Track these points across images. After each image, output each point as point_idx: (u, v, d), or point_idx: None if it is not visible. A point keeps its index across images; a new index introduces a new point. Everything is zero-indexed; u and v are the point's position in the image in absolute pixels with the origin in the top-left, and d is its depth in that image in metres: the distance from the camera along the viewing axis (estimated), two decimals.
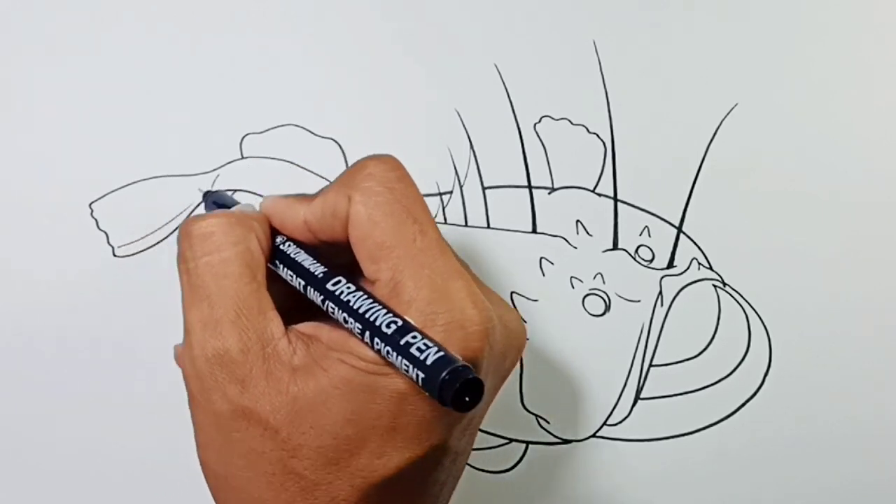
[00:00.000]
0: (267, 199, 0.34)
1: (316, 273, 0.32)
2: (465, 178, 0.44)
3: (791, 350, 0.45)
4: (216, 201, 0.37)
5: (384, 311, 0.30)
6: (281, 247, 0.34)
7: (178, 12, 0.42)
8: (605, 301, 0.44)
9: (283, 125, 0.43)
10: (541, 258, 0.44)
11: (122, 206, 0.41)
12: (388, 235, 0.31)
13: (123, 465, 0.40)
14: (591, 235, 0.44)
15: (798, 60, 0.46)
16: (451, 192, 0.44)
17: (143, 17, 0.42)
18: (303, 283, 0.32)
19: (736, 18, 0.46)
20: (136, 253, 0.41)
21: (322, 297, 0.32)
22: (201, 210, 0.40)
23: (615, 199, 0.44)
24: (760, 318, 0.45)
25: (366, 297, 0.31)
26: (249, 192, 0.42)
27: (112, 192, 0.41)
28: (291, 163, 0.42)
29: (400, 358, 0.29)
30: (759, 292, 0.45)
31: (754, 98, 0.45)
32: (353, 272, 0.32)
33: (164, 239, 0.41)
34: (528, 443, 0.44)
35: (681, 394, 0.44)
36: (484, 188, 0.44)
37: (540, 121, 0.44)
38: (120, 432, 0.40)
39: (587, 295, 0.44)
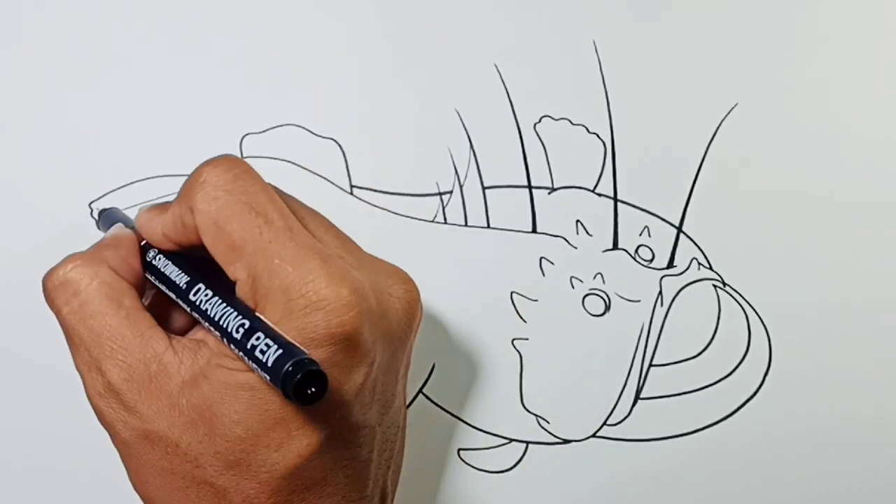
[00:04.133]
0: (138, 212, 0.35)
1: (180, 284, 0.33)
2: (465, 178, 0.44)
3: (791, 350, 0.45)
4: (107, 220, 0.37)
5: (235, 314, 0.30)
6: (153, 261, 0.34)
7: (178, 12, 0.42)
8: (605, 301, 0.44)
9: (283, 125, 0.43)
10: (541, 258, 0.44)
11: (123, 206, 0.41)
12: (234, 235, 0.31)
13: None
14: (591, 235, 0.44)
15: (798, 60, 0.46)
16: (451, 192, 0.44)
17: (143, 16, 0.42)
18: (173, 295, 0.33)
19: (736, 18, 0.46)
20: None
21: (188, 307, 0.32)
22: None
23: (615, 199, 0.44)
24: (760, 318, 0.45)
25: (221, 302, 0.31)
26: None
27: (112, 191, 0.41)
28: (291, 163, 0.42)
29: (249, 361, 0.29)
30: (759, 292, 0.45)
31: (754, 98, 0.45)
32: None
33: None
34: (528, 443, 0.44)
35: (681, 394, 0.44)
36: (484, 188, 0.44)
37: (540, 121, 0.44)
38: None
39: (587, 295, 0.44)
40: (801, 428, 0.45)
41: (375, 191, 0.43)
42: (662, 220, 0.45)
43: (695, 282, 0.45)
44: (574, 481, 0.44)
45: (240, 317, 0.30)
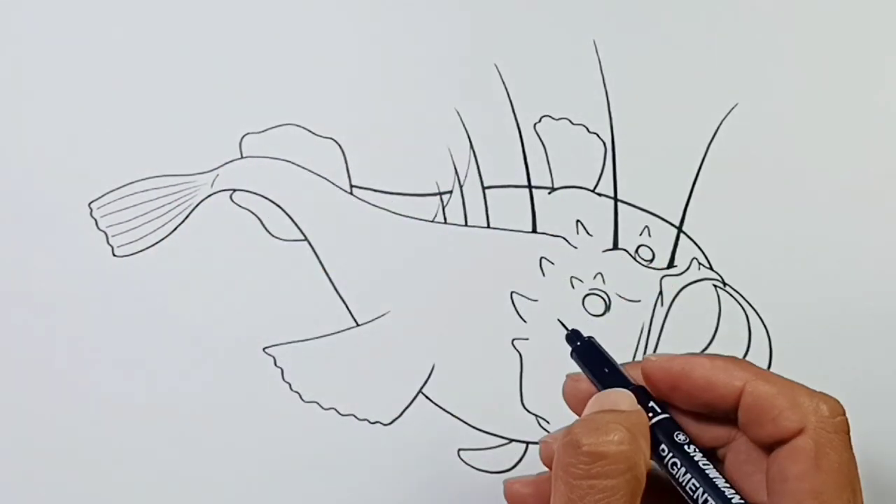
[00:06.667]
0: (664, 359, 0.32)
1: None
2: (465, 177, 0.44)
3: (791, 350, 0.45)
4: (593, 360, 0.35)
5: None
6: (685, 447, 0.30)
7: (178, 12, 0.42)
8: (605, 301, 0.44)
9: (282, 125, 0.43)
10: (541, 258, 0.44)
11: (122, 206, 0.41)
12: (826, 489, 0.29)
13: (120, 465, 0.40)
14: (591, 235, 0.44)
15: (798, 60, 0.46)
16: (451, 192, 0.44)
17: (143, 16, 0.42)
18: None
19: (736, 18, 0.46)
20: (136, 253, 0.41)
21: None
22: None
23: (615, 199, 0.44)
24: (760, 318, 0.45)
25: None
26: (249, 191, 0.42)
27: (111, 191, 0.41)
28: (291, 162, 0.42)
29: None
30: (759, 292, 0.45)
31: (754, 98, 0.45)
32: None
33: (163, 238, 0.41)
34: (528, 443, 0.43)
35: None
36: (484, 188, 0.44)
37: (540, 121, 0.44)
38: (118, 433, 0.40)
39: (587, 295, 0.44)
40: None
41: (375, 191, 0.43)
42: (662, 220, 0.45)
43: (695, 282, 0.44)
44: None
45: None
